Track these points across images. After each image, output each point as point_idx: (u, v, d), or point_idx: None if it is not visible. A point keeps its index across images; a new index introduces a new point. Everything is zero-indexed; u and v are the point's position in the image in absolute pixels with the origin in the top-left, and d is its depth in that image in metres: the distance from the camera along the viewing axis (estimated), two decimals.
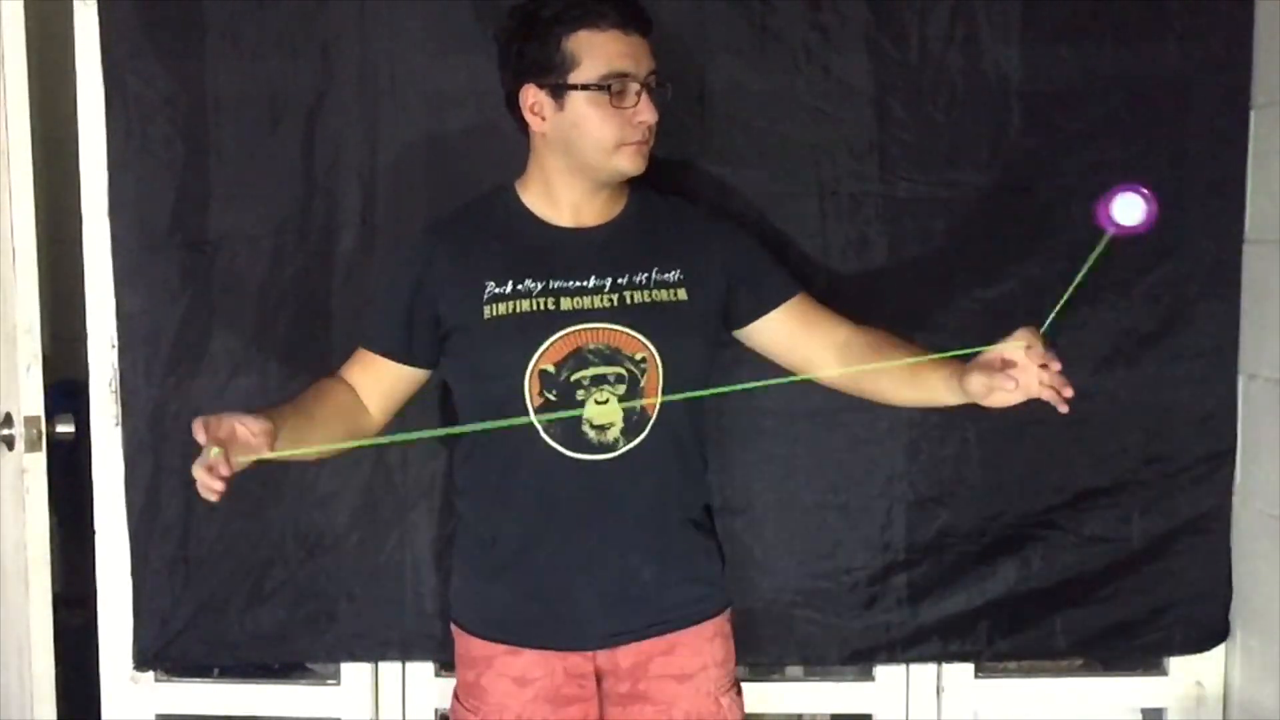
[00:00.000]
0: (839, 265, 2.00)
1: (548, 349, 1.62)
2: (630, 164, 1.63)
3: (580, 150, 1.63)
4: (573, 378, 1.63)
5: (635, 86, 1.60)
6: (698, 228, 1.77)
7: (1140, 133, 1.99)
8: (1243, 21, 1.99)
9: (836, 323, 1.75)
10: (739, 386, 1.66)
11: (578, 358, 1.63)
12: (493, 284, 1.65)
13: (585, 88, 1.59)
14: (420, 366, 1.72)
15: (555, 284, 1.65)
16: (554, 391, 1.63)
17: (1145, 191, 1.40)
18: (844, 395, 1.97)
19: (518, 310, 1.63)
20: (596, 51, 1.58)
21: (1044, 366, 1.49)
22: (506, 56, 1.65)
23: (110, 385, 2.02)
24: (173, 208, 1.97)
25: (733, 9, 1.96)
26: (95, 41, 1.96)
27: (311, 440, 1.57)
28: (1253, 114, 2.00)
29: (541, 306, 1.64)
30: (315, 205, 1.98)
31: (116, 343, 2.00)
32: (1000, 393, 1.50)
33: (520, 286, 1.64)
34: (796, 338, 1.75)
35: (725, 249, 1.75)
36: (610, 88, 1.58)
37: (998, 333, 2.00)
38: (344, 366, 1.74)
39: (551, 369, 1.63)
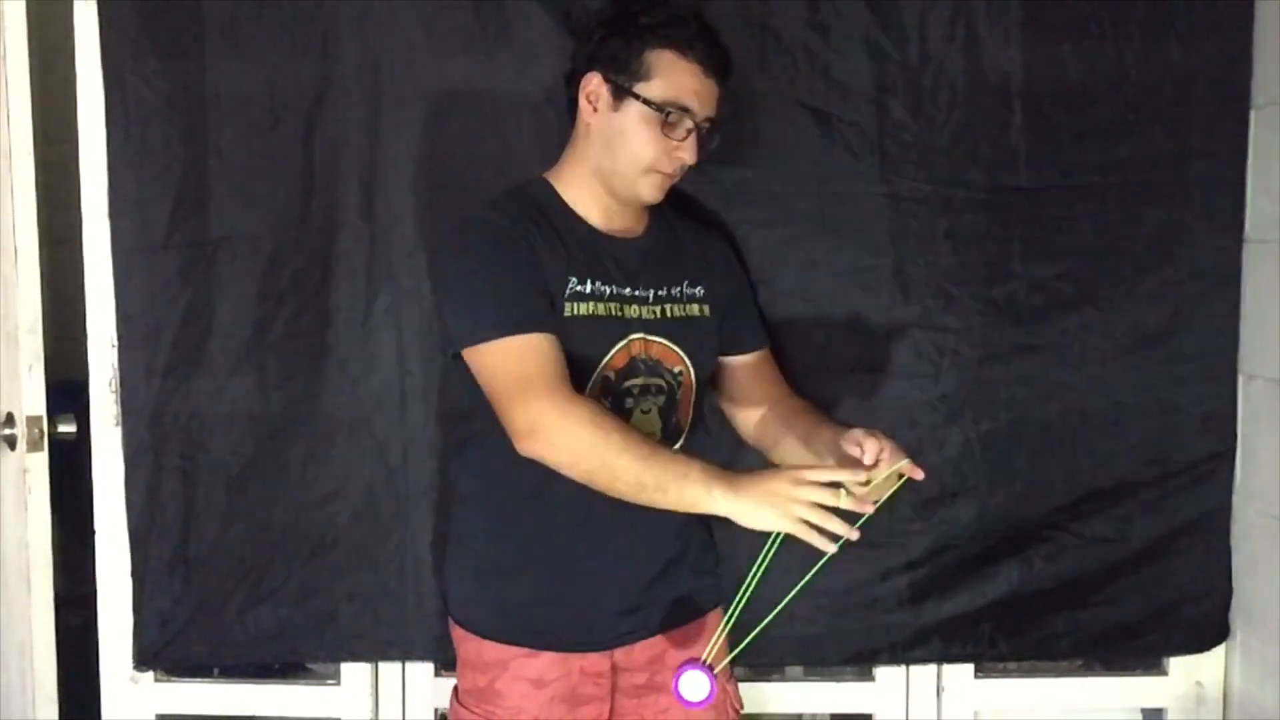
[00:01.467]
0: (839, 266, 2.00)
1: (615, 355, 1.64)
2: (652, 193, 1.66)
3: (615, 156, 1.64)
4: (624, 385, 1.64)
5: (689, 124, 1.61)
6: (711, 249, 1.81)
7: (1140, 133, 1.99)
8: (1243, 21, 1.99)
9: (776, 384, 1.84)
10: None
11: (631, 366, 1.65)
12: (574, 280, 1.63)
13: (647, 103, 1.60)
14: None
15: (617, 290, 1.66)
16: (609, 398, 1.63)
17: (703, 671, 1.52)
18: (845, 394, 1.99)
19: (595, 313, 1.63)
20: (672, 75, 1.60)
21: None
22: (588, 39, 1.66)
23: (110, 385, 2.02)
24: (173, 208, 1.97)
25: (733, 9, 1.95)
26: (95, 41, 1.96)
27: None
28: (1253, 114, 2.00)
29: (613, 311, 1.64)
30: (315, 205, 1.98)
31: (116, 343, 2.00)
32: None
33: (594, 288, 1.64)
34: (743, 386, 1.82)
35: (727, 278, 1.80)
36: (668, 115, 1.60)
37: (997, 332, 2.02)
38: (550, 373, 1.53)
39: (613, 375, 1.64)
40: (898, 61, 1.97)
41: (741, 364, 1.82)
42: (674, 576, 1.73)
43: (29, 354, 2.04)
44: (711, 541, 1.82)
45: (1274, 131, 1.96)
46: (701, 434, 1.81)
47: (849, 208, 1.99)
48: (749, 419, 1.81)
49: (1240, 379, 2.04)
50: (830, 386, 1.99)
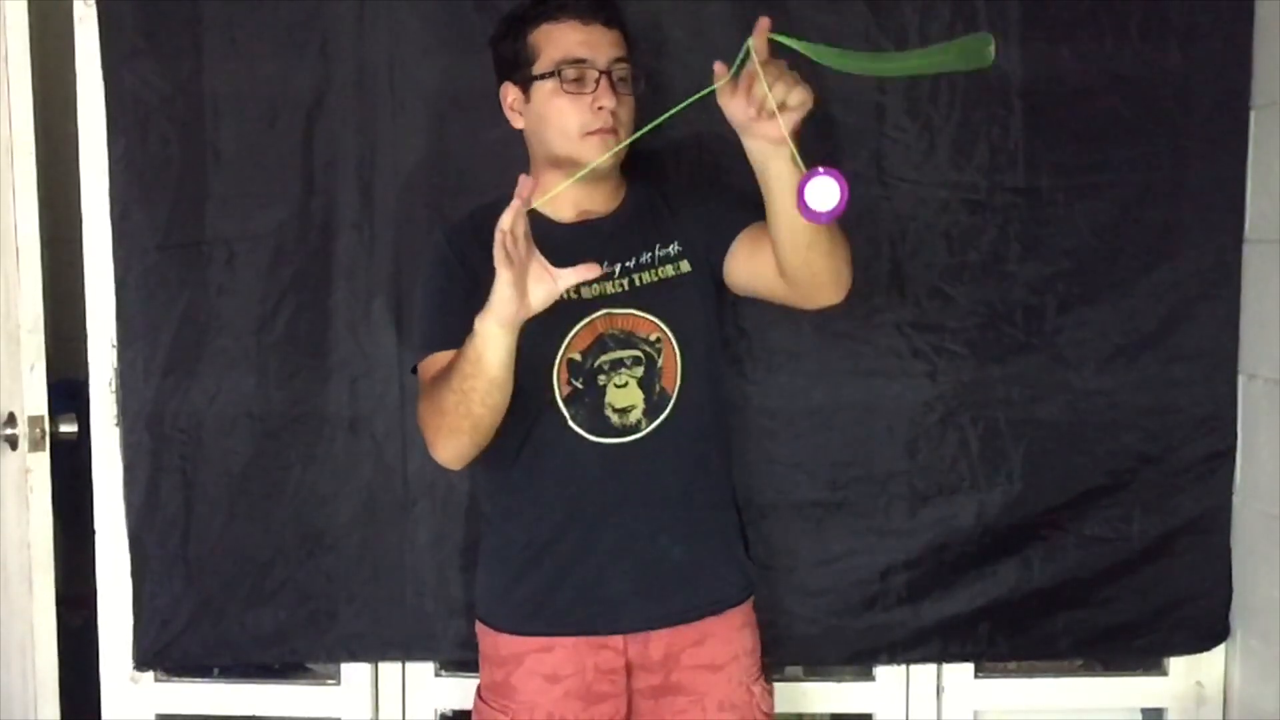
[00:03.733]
0: None
1: (574, 338, 1.65)
2: (597, 155, 1.63)
3: (550, 141, 1.66)
4: (594, 363, 1.65)
5: (594, 74, 1.63)
6: (680, 199, 1.79)
7: (1140, 133, 1.99)
8: (1243, 21, 1.98)
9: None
10: None
11: (599, 344, 1.66)
12: None
13: (543, 77, 1.64)
14: None
15: None
16: (580, 379, 1.66)
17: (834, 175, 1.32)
18: (844, 394, 2.00)
19: None
20: (553, 41, 1.64)
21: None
22: (492, 60, 1.73)
23: (110, 385, 2.02)
24: (172, 208, 1.97)
25: (732, 9, 1.95)
26: (95, 41, 1.97)
27: (498, 401, 1.55)
28: (1253, 114, 2.00)
29: (565, 297, 1.64)
30: (314, 205, 1.98)
31: (116, 343, 2.00)
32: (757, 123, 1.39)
33: None
34: (753, 263, 1.67)
35: (696, 210, 1.76)
36: (562, 73, 1.62)
37: (995, 332, 2.02)
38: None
39: (579, 357, 1.66)
40: None
41: (740, 249, 1.69)
42: (694, 564, 1.73)
43: (30, 354, 2.04)
44: (740, 533, 1.81)
45: (1274, 131, 1.96)
46: (704, 393, 1.72)
47: (847, 208, 1.98)
48: (772, 275, 1.64)
49: (1240, 379, 2.04)
50: (828, 387, 2.00)
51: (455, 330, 1.63)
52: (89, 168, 2.00)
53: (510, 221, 1.39)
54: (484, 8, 1.94)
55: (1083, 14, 1.97)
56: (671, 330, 1.69)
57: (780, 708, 2.11)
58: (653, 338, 1.68)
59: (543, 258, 1.45)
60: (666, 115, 1.48)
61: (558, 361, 1.65)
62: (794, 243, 1.53)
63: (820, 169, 1.32)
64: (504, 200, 1.72)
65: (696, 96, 1.43)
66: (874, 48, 1.96)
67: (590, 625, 1.70)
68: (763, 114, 1.37)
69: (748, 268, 1.70)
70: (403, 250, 1.98)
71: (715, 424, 1.76)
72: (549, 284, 1.45)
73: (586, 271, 1.45)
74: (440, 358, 1.65)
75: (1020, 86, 1.98)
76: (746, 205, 1.74)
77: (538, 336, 1.63)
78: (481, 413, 1.55)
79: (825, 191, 1.32)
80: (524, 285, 1.44)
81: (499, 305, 1.44)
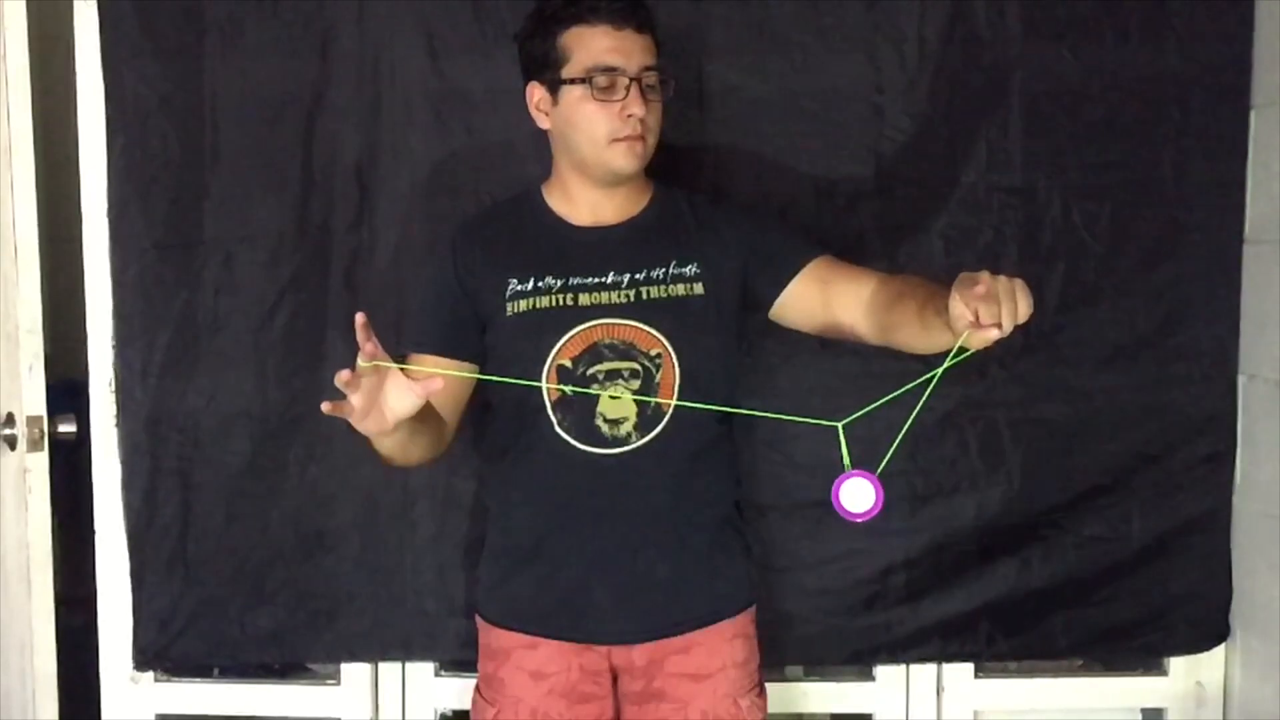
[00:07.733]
0: None
1: (565, 344, 1.65)
2: (623, 161, 1.64)
3: (576, 145, 1.65)
4: (588, 372, 1.64)
5: (625, 81, 1.61)
6: (713, 217, 1.77)
7: (1140, 133, 1.99)
8: (1243, 21, 1.98)
9: (860, 279, 1.68)
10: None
11: (594, 353, 1.65)
12: (515, 281, 1.67)
13: (573, 82, 1.62)
14: (473, 361, 1.71)
15: (574, 280, 1.67)
16: (570, 385, 1.65)
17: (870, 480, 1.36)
18: (842, 394, 1.99)
19: (537, 306, 1.66)
20: (585, 46, 1.62)
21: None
22: (518, 56, 1.70)
23: (110, 385, 2.02)
24: (171, 207, 1.97)
25: (731, 10, 1.96)
26: (95, 41, 1.97)
27: (412, 451, 1.60)
28: (1253, 114, 2.00)
29: (560, 303, 1.66)
30: (314, 205, 1.98)
31: (115, 343, 2.00)
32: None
33: (541, 284, 1.67)
34: (818, 303, 1.70)
35: (738, 234, 1.74)
36: (593, 81, 1.61)
37: None
38: None
39: (569, 364, 1.65)
40: (895, 63, 1.97)
41: (800, 289, 1.70)
42: (680, 580, 1.71)
43: (29, 354, 2.04)
44: (741, 547, 1.79)
45: (1274, 131, 1.96)
46: (702, 412, 1.67)
47: (846, 210, 1.99)
48: (854, 324, 1.67)
49: (1240, 379, 2.04)
50: (826, 385, 2.00)
51: (431, 335, 1.70)
52: (88, 167, 2.00)
53: (342, 382, 1.41)
54: (483, 8, 1.95)
55: (1083, 14, 1.97)
56: (674, 347, 1.66)
57: (780, 708, 2.13)
58: (653, 352, 1.66)
59: (402, 372, 1.42)
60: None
61: (547, 366, 1.64)
62: (912, 347, 1.60)
63: (857, 471, 1.35)
64: (522, 197, 1.76)
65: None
66: (871, 49, 1.97)
67: (572, 631, 1.71)
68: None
69: (814, 310, 1.71)
70: (402, 250, 1.98)
71: (713, 443, 1.74)
72: (409, 397, 1.42)
73: (438, 384, 1.41)
74: (414, 358, 1.68)
75: (1019, 86, 1.98)
76: (797, 235, 1.78)
77: (529, 339, 1.65)
78: (403, 461, 1.62)
79: (860, 494, 1.35)
80: (378, 410, 1.43)
81: (364, 429, 1.46)
